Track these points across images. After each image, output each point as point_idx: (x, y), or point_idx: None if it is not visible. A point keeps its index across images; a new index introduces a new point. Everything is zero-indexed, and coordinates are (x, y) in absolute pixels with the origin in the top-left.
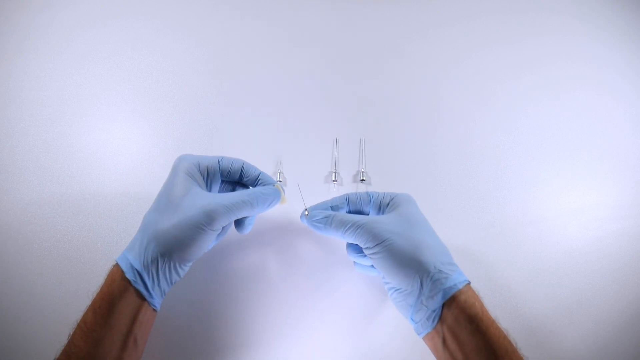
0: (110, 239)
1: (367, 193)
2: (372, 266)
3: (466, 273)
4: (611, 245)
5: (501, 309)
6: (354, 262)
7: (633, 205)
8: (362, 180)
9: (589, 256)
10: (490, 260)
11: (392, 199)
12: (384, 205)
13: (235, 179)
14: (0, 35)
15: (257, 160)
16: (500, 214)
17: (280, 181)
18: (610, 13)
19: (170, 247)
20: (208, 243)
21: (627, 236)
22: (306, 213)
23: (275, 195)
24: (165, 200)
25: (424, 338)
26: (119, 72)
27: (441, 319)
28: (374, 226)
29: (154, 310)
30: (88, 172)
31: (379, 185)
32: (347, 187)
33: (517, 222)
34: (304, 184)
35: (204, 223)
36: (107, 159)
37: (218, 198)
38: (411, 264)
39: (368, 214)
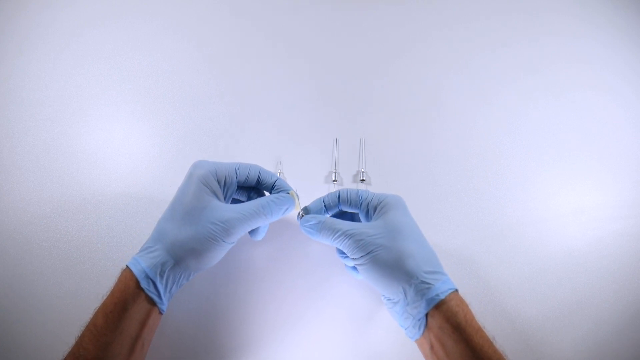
0: (110, 239)
1: (357, 192)
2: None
3: (465, 273)
4: (611, 245)
5: (501, 309)
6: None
7: (633, 205)
8: (362, 180)
9: (589, 256)
10: (490, 260)
11: (381, 202)
12: (372, 208)
13: (252, 185)
14: (0, 35)
15: (258, 160)
16: (500, 214)
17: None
18: (611, 13)
19: (187, 259)
20: (223, 253)
21: (627, 236)
22: (301, 215)
23: (290, 203)
24: (181, 209)
25: (415, 342)
26: (119, 72)
27: (427, 327)
28: (360, 237)
29: (160, 313)
30: (88, 172)
31: (379, 185)
32: (347, 187)
33: (517, 222)
34: (304, 184)
35: (221, 236)
36: (107, 159)
37: (234, 212)
38: (394, 275)
39: (357, 214)
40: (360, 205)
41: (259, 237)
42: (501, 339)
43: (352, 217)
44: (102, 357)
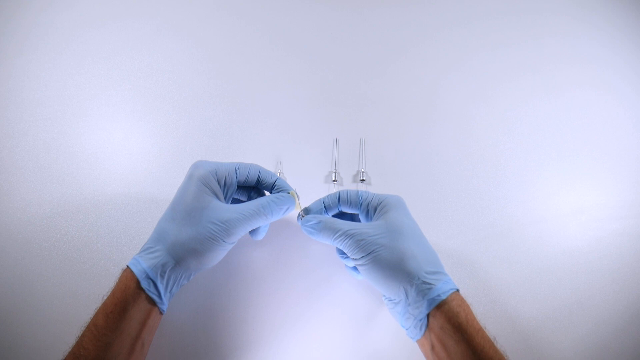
0: (110, 239)
1: (357, 193)
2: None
3: (465, 274)
4: (611, 245)
5: (501, 309)
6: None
7: (633, 205)
8: (362, 180)
9: (589, 256)
10: (490, 260)
11: (381, 202)
12: (372, 209)
13: (252, 185)
14: (0, 35)
15: (258, 160)
16: (499, 214)
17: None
18: (610, 13)
19: (187, 259)
20: (224, 253)
21: (627, 236)
22: (302, 215)
23: (290, 202)
24: (182, 210)
25: (416, 342)
26: (119, 72)
27: (429, 327)
28: (361, 237)
29: (161, 313)
30: (88, 172)
31: (379, 186)
32: (347, 187)
33: (517, 223)
34: (304, 184)
35: (221, 236)
36: (107, 159)
37: (234, 212)
38: (396, 276)
39: (357, 215)
40: (361, 205)
41: (259, 237)
42: (501, 339)
43: (352, 218)
44: (102, 357)
